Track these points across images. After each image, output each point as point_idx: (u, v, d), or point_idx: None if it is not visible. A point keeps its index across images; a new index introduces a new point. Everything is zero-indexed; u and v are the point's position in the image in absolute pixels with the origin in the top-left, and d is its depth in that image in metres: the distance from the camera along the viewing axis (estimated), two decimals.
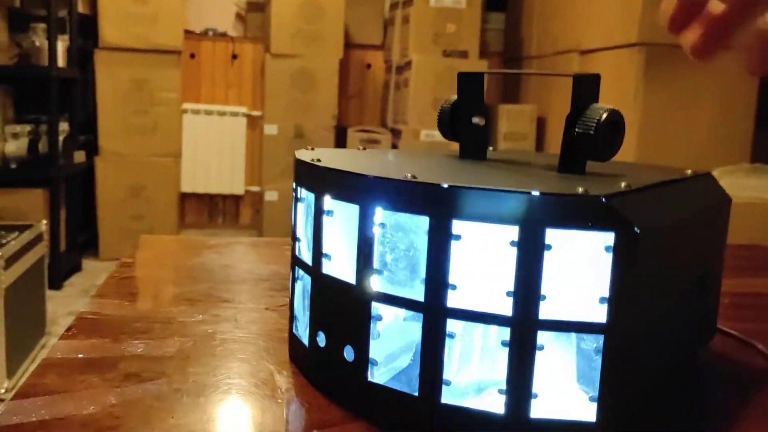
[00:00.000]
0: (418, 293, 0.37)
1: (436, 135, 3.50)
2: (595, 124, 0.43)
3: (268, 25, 3.68)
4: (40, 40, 2.94)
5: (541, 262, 0.35)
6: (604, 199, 0.34)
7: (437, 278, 0.36)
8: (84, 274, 3.21)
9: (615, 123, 0.44)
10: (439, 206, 0.36)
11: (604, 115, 0.43)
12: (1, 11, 2.88)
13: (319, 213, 0.43)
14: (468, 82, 0.53)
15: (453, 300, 0.36)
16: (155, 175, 3.43)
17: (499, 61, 4.20)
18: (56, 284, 2.88)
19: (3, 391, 1.90)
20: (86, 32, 3.34)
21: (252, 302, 0.60)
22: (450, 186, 0.36)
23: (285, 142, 3.67)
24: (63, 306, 2.72)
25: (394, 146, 3.67)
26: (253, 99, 4.12)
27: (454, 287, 0.36)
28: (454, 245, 0.36)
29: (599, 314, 0.35)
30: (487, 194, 0.36)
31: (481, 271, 0.37)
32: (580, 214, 0.34)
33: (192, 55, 4.05)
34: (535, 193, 0.35)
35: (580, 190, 0.35)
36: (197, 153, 4.04)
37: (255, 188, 4.13)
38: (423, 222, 0.37)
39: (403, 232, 0.39)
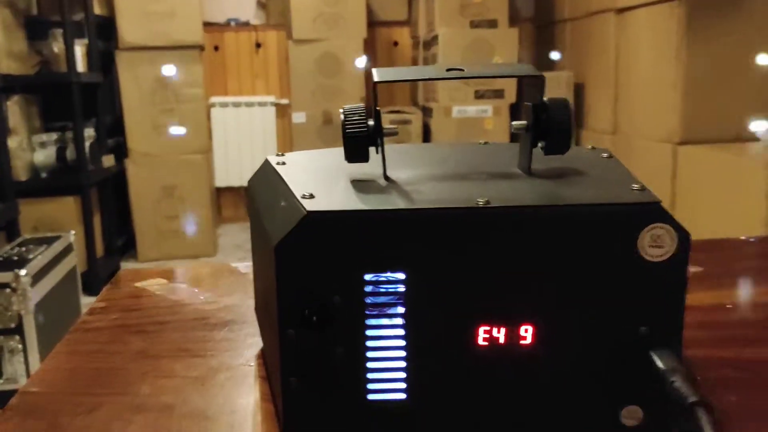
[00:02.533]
0: None
1: (469, 111, 3.39)
2: None
3: (288, 11, 3.59)
4: (59, 46, 2.92)
5: None
6: None
7: None
8: None
9: None
10: None
11: None
12: (19, 19, 2.86)
13: None
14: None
15: None
16: (187, 173, 3.40)
17: (530, 27, 4.02)
18: (96, 290, 2.88)
19: None
20: (106, 34, 3.31)
21: (226, 355, 0.51)
22: None
23: (314, 130, 3.59)
24: None
25: (426, 125, 3.55)
26: (281, 87, 4.05)
27: None
28: None
29: None
30: None
31: None
32: None
33: (216, 48, 4.00)
34: None
35: None
36: (229, 146, 4.00)
37: None
38: None
39: None
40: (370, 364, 0.35)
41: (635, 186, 0.36)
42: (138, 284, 0.69)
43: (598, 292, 0.35)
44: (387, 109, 3.72)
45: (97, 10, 3.20)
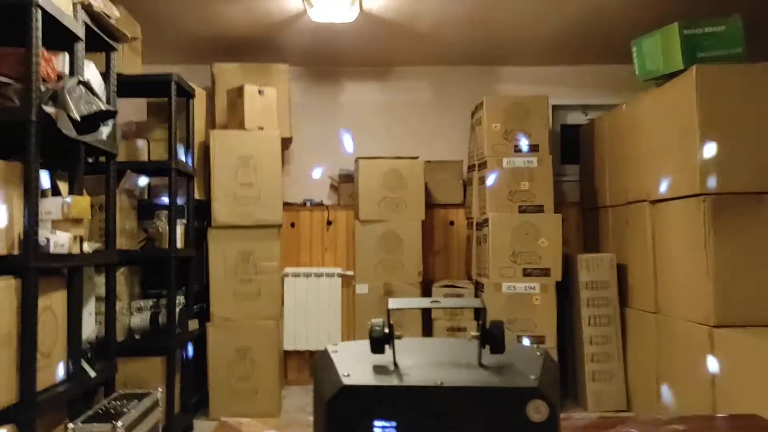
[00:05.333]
0: None
1: (518, 287, 3.66)
2: None
3: (356, 194, 4.08)
4: (162, 226, 3.43)
5: None
6: None
7: None
8: None
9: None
10: None
11: None
12: (133, 203, 3.41)
13: None
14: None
15: None
16: (259, 337, 3.74)
17: (576, 211, 4.37)
18: None
19: None
20: (201, 214, 3.85)
21: None
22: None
23: (376, 300, 3.93)
24: None
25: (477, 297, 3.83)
26: (347, 260, 4.47)
27: None
28: None
29: None
30: None
31: None
32: None
33: (292, 224, 4.50)
34: None
35: None
36: (297, 312, 4.36)
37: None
38: None
39: None
40: None
41: (532, 376, 0.65)
42: (235, 424, 0.98)
43: None
44: (442, 283, 4.04)
45: (197, 195, 3.76)
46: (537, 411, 0.63)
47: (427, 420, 0.65)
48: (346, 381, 0.65)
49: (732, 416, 1.01)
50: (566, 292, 3.78)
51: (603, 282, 3.60)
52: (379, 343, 0.71)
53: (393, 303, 0.74)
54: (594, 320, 3.60)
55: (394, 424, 0.65)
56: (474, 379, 0.68)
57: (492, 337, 0.72)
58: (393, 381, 0.67)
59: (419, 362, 0.74)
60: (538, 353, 0.76)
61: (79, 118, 2.08)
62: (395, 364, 0.72)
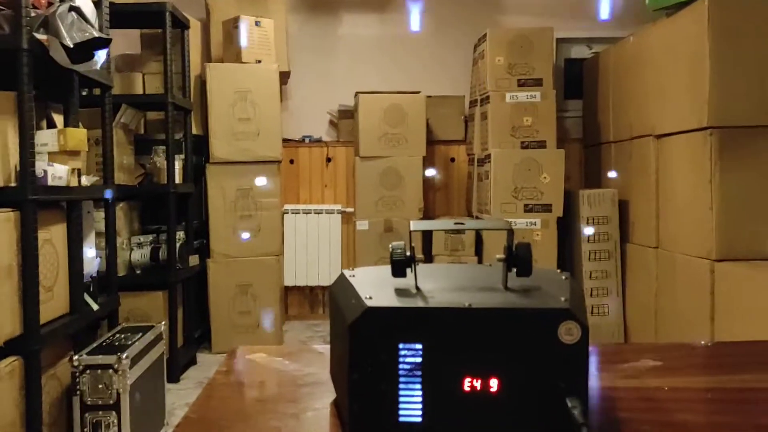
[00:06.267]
0: None
1: (519, 223, 3.65)
2: None
3: (356, 130, 4.02)
4: (160, 161, 3.38)
5: None
6: None
7: None
8: (199, 367, 3.51)
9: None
10: None
11: None
12: (129, 138, 3.35)
13: None
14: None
15: None
16: (260, 273, 3.75)
17: (578, 147, 4.32)
18: (174, 378, 3.18)
19: None
20: (199, 150, 3.79)
21: (310, 401, 0.78)
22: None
23: (376, 236, 3.92)
24: (180, 398, 3.00)
25: (479, 235, 3.82)
26: (347, 196, 4.44)
27: None
28: None
29: None
30: None
31: None
32: None
33: (291, 161, 4.45)
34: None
35: None
36: (298, 249, 4.36)
37: None
38: None
39: None
40: (401, 399, 0.61)
41: (563, 298, 0.63)
42: (248, 356, 0.96)
43: (535, 360, 0.60)
44: (444, 219, 4.02)
45: (194, 130, 3.69)
46: (569, 333, 0.61)
47: (454, 343, 0.62)
48: (370, 303, 0.62)
49: (756, 342, 1.00)
50: (567, 228, 3.77)
51: (604, 217, 3.59)
52: (401, 265, 0.68)
53: (415, 225, 0.71)
54: (594, 255, 3.60)
55: (419, 347, 0.62)
56: (503, 300, 0.65)
57: (519, 258, 0.68)
58: (418, 303, 0.64)
59: (442, 286, 0.71)
60: (563, 277, 0.74)
61: (72, 46, 2.00)
62: (417, 288, 0.68)
